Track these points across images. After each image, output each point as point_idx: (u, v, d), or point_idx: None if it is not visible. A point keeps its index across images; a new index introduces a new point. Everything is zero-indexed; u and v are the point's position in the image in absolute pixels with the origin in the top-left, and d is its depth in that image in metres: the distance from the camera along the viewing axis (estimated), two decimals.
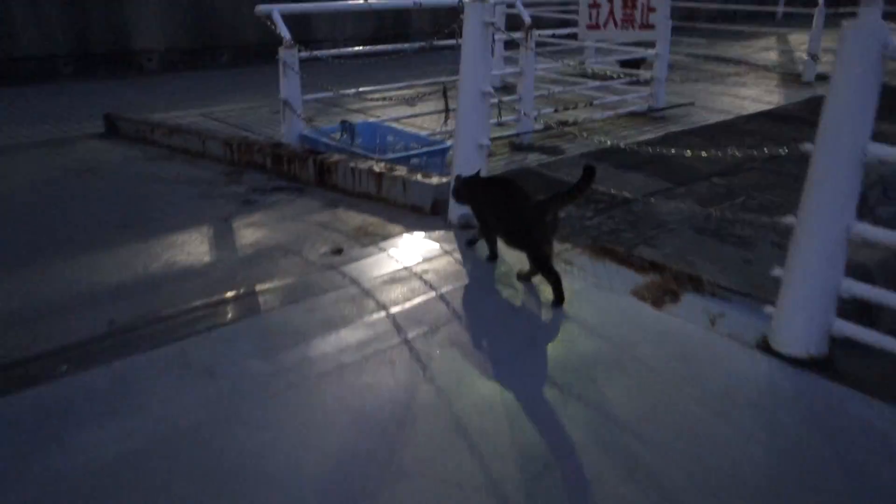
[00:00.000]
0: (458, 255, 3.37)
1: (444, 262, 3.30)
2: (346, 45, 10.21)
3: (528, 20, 6.31)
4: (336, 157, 4.54)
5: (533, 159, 6.20)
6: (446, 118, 6.09)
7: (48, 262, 3.42)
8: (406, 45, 5.69)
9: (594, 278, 3.13)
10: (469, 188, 3.31)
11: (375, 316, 2.80)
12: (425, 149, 4.90)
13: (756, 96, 8.61)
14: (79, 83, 8.77)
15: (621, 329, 2.75)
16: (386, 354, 2.54)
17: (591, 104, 7.07)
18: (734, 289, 3.12)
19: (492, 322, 2.81)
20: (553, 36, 7.25)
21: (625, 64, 8.47)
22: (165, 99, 8.11)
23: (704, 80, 8.96)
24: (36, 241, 3.73)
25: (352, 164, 4.34)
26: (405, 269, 3.21)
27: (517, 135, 6.48)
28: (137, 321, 2.79)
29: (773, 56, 11.34)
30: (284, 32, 5.01)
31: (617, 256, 3.32)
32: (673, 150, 3.53)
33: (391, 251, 3.42)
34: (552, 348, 2.64)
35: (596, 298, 2.96)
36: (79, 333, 2.69)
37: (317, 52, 5.03)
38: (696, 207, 5.34)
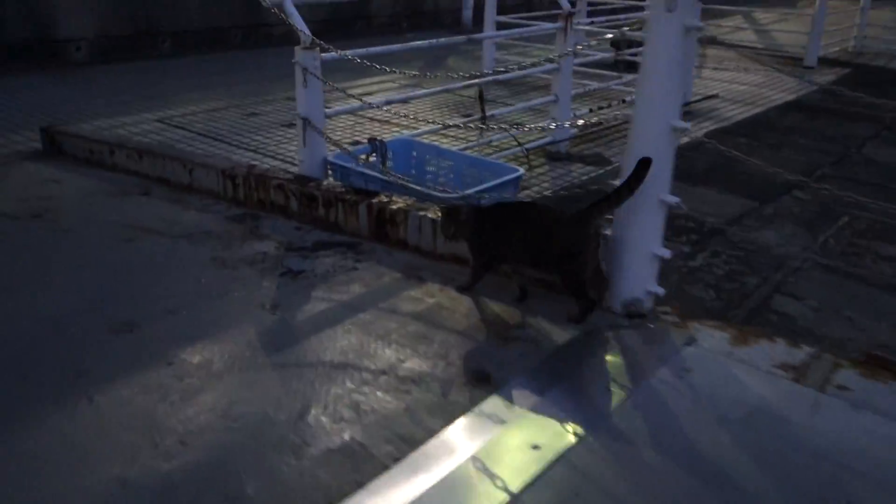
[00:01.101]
0: (684, 383, 2.16)
1: (675, 401, 2.09)
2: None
3: (567, 6, 5.08)
4: (399, 201, 3.22)
5: (578, 172, 5.05)
6: (483, 128, 4.82)
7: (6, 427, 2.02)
8: (444, 39, 4.36)
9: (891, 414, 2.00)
10: (477, 214, 2.59)
11: None
12: (496, 180, 3.61)
13: (768, 83, 7.68)
14: None
15: None
16: None
17: (623, 101, 5.92)
18: None
19: None
20: (592, 23, 6.04)
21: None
22: (105, 98, 6.46)
23: (705, 67, 7.97)
24: None
25: (430, 215, 3.05)
26: (638, 413, 1.99)
27: (553, 142, 5.28)
28: None
29: (752, 37, 10.47)
30: (302, 27, 3.61)
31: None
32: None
33: (582, 379, 2.17)
34: None
35: None
36: None
37: (347, 52, 3.65)
38: (803, 234, 4.31)
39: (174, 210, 3.70)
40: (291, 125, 5.72)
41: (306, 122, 3.72)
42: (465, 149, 4.62)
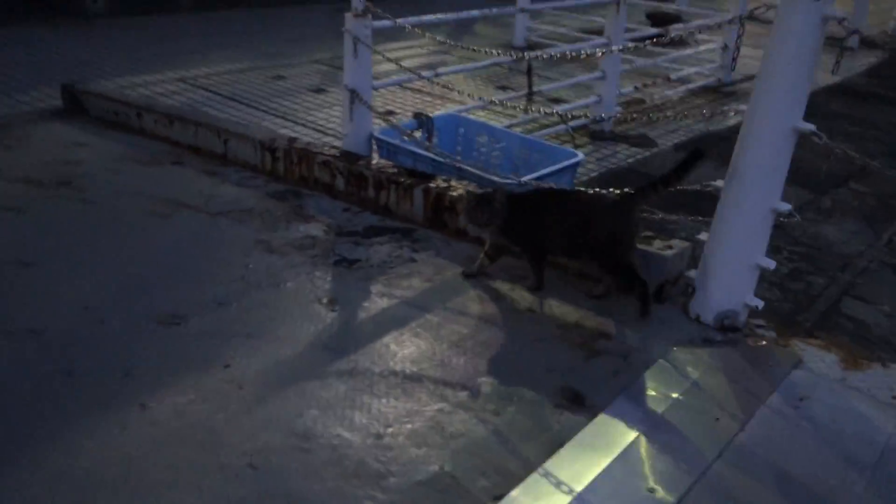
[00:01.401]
0: (801, 415, 1.94)
1: (795, 436, 1.87)
2: None
3: None
4: (459, 187, 2.97)
5: (624, 154, 4.79)
6: (529, 103, 4.55)
7: (46, 447, 1.80)
8: (496, 9, 4.06)
9: None
10: (513, 201, 2.44)
11: None
12: (553, 165, 3.34)
13: None
14: (8, 32, 6.61)
15: None
16: None
17: (668, 79, 5.63)
18: None
19: None
20: None
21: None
22: (125, 55, 6.14)
23: (745, 45, 7.61)
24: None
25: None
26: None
27: (597, 120, 5.00)
28: None
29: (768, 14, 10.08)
30: None
31: None
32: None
33: (686, 405, 1.95)
34: None
35: None
36: None
37: (402, 20, 3.35)
38: (865, 229, 4.08)
39: (210, 182, 3.45)
40: (320, 90, 5.44)
41: (354, 94, 3.44)
42: (510, 126, 4.35)
